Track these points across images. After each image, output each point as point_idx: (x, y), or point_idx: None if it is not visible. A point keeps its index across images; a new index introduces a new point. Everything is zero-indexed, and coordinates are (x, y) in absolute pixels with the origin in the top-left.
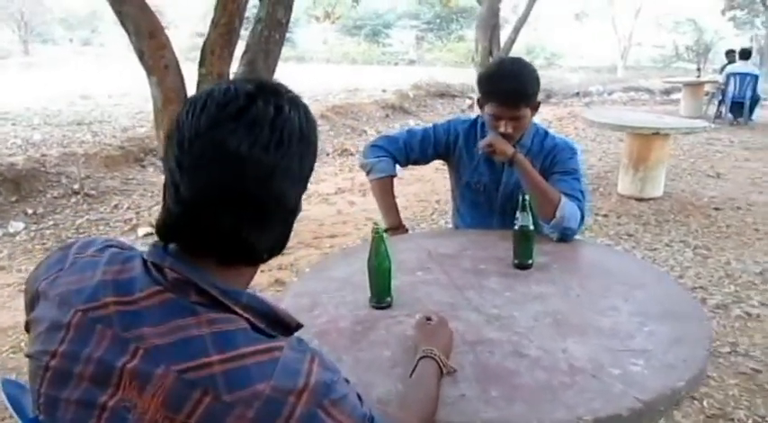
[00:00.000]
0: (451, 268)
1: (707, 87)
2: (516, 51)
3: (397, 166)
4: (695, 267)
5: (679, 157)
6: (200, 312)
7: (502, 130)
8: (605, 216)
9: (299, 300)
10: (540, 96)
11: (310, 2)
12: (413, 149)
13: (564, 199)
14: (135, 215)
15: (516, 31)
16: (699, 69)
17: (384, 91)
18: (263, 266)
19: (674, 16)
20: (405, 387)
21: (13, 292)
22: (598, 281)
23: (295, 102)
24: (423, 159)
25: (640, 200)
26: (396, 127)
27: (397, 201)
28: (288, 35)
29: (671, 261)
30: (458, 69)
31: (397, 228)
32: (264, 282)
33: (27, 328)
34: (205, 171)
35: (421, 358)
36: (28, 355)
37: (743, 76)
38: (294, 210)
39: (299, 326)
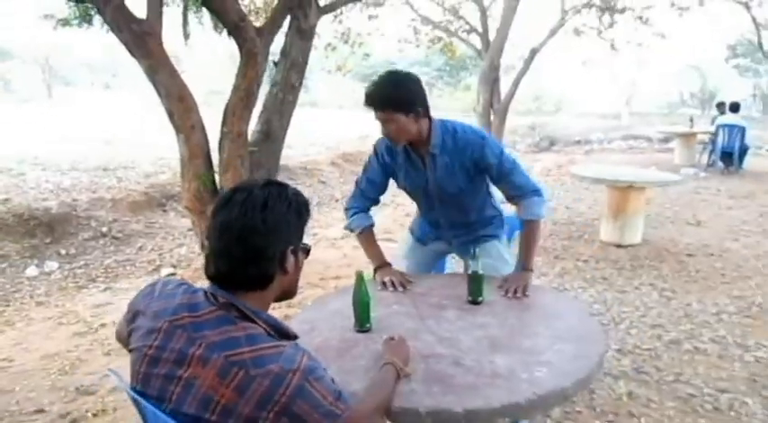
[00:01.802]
0: (420, 303)
1: (700, 137)
2: (521, 99)
3: (372, 210)
4: (658, 308)
5: (664, 205)
6: (238, 323)
7: (384, 132)
8: (585, 261)
9: (301, 325)
10: (543, 144)
11: (323, 56)
12: (373, 191)
13: (530, 208)
14: (158, 256)
15: (516, 84)
16: (691, 120)
17: None
18: (276, 304)
19: (679, 64)
20: (369, 382)
21: (53, 325)
22: (530, 313)
23: (267, 187)
24: (384, 190)
25: (620, 246)
26: None
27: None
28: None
29: (637, 302)
30: (465, 116)
31: (383, 266)
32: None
33: (129, 334)
34: (212, 238)
35: (384, 364)
36: (131, 349)
37: (731, 127)
38: (273, 257)
39: (295, 336)
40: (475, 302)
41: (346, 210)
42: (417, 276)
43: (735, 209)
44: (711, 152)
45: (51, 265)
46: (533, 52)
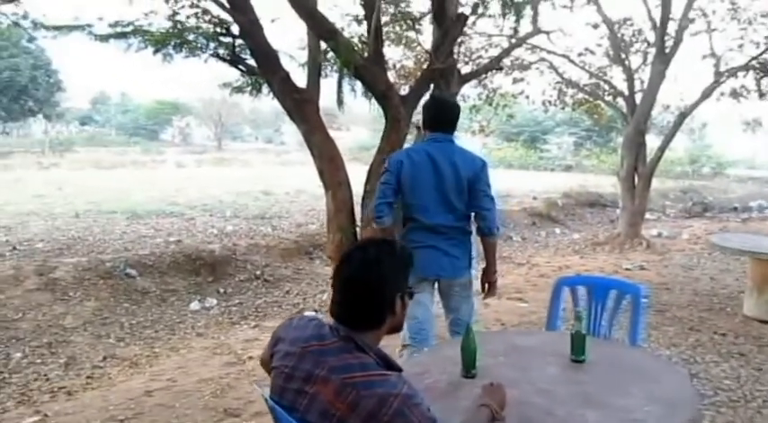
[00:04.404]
0: (526, 357)
1: None
2: (677, 162)
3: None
4: None
5: None
6: (354, 352)
7: None
8: (723, 335)
9: (414, 367)
10: (696, 209)
11: (467, 117)
12: None
13: None
14: (302, 300)
15: (663, 148)
16: None
17: (534, 198)
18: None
19: None
20: (463, 419)
21: (209, 354)
22: (629, 375)
23: (380, 245)
24: None
25: (764, 322)
26: (542, 235)
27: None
28: None
29: None
30: (613, 178)
31: None
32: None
33: (270, 356)
34: (336, 288)
35: (480, 405)
36: (273, 367)
37: None
38: (384, 304)
39: (400, 369)
40: (577, 361)
41: None
42: (524, 333)
43: None
44: None
45: (211, 301)
46: (683, 116)
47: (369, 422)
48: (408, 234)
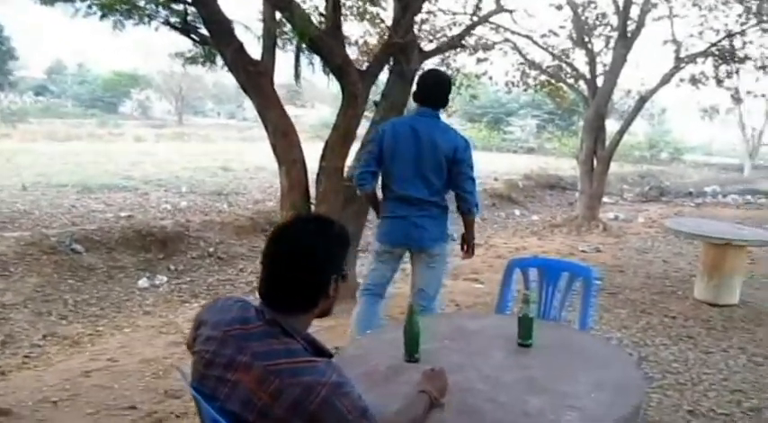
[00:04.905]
0: (472, 341)
1: None
2: (636, 147)
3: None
4: (743, 373)
5: None
6: (280, 337)
7: None
8: (673, 318)
9: (356, 351)
10: (652, 194)
11: None
12: None
13: None
14: (255, 279)
15: (622, 131)
16: None
17: (496, 179)
18: None
19: None
20: (399, 406)
21: (155, 333)
22: (576, 360)
23: (315, 223)
24: None
25: (713, 306)
26: (501, 216)
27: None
28: None
29: (721, 365)
30: (573, 161)
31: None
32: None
33: (193, 340)
34: (265, 265)
35: (418, 392)
36: (194, 352)
37: None
38: (317, 287)
39: (330, 354)
40: (524, 345)
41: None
42: (473, 315)
43: None
44: None
45: (161, 278)
46: (642, 100)
47: (293, 411)
48: (384, 203)
